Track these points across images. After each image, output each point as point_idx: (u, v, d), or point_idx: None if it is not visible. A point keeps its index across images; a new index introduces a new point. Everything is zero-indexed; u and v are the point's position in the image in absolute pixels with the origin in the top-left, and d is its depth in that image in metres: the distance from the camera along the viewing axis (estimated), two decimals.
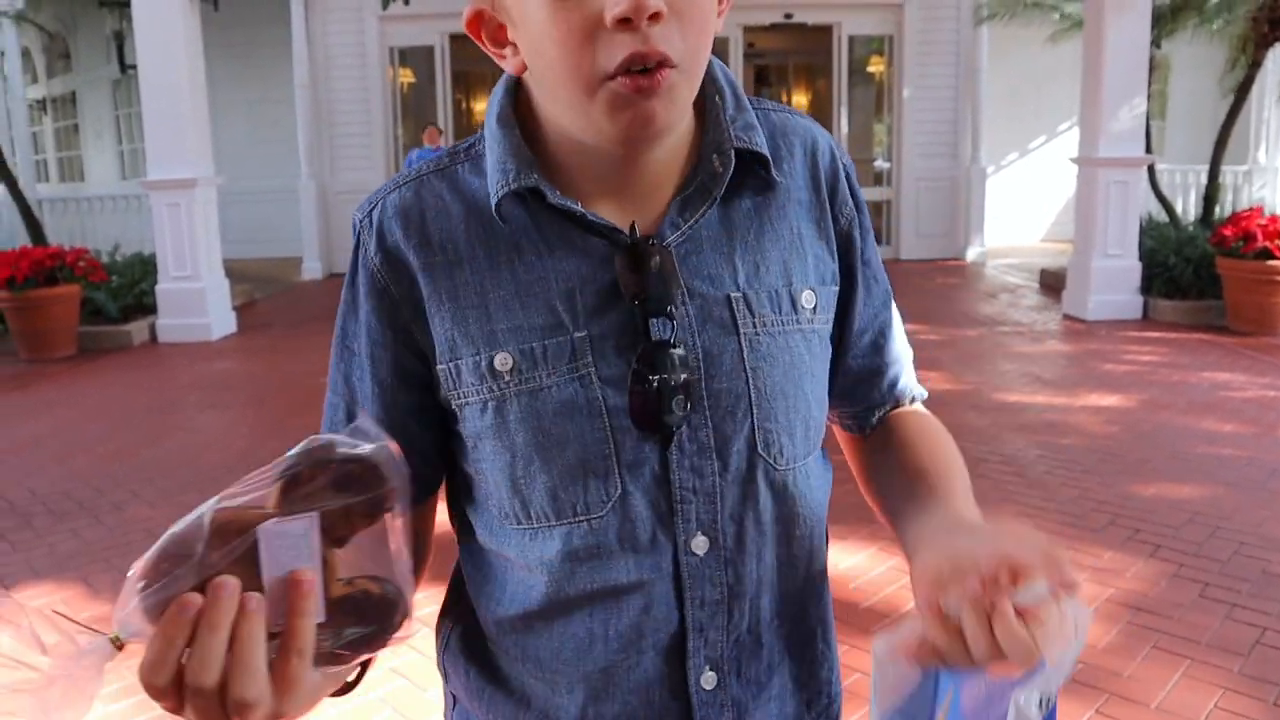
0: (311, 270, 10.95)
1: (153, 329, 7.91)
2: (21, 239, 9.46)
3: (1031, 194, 12.55)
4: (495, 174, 0.79)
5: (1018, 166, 12.69)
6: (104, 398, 6.24)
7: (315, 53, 11.11)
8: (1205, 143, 9.72)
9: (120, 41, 11.52)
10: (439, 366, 0.81)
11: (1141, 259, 7.63)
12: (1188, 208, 10.30)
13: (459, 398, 0.80)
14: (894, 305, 0.96)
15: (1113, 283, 7.55)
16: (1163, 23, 8.48)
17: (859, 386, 0.94)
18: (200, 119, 7.93)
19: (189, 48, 7.80)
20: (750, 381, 0.80)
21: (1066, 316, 7.74)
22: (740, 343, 0.80)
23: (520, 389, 0.78)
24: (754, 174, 0.82)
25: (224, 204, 8.38)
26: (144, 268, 8.45)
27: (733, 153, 0.80)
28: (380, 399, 0.84)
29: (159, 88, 7.72)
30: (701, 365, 0.78)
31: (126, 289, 8.20)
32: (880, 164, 11.94)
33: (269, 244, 12.22)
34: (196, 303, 7.83)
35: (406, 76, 12.05)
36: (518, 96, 0.83)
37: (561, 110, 0.76)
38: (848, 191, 0.89)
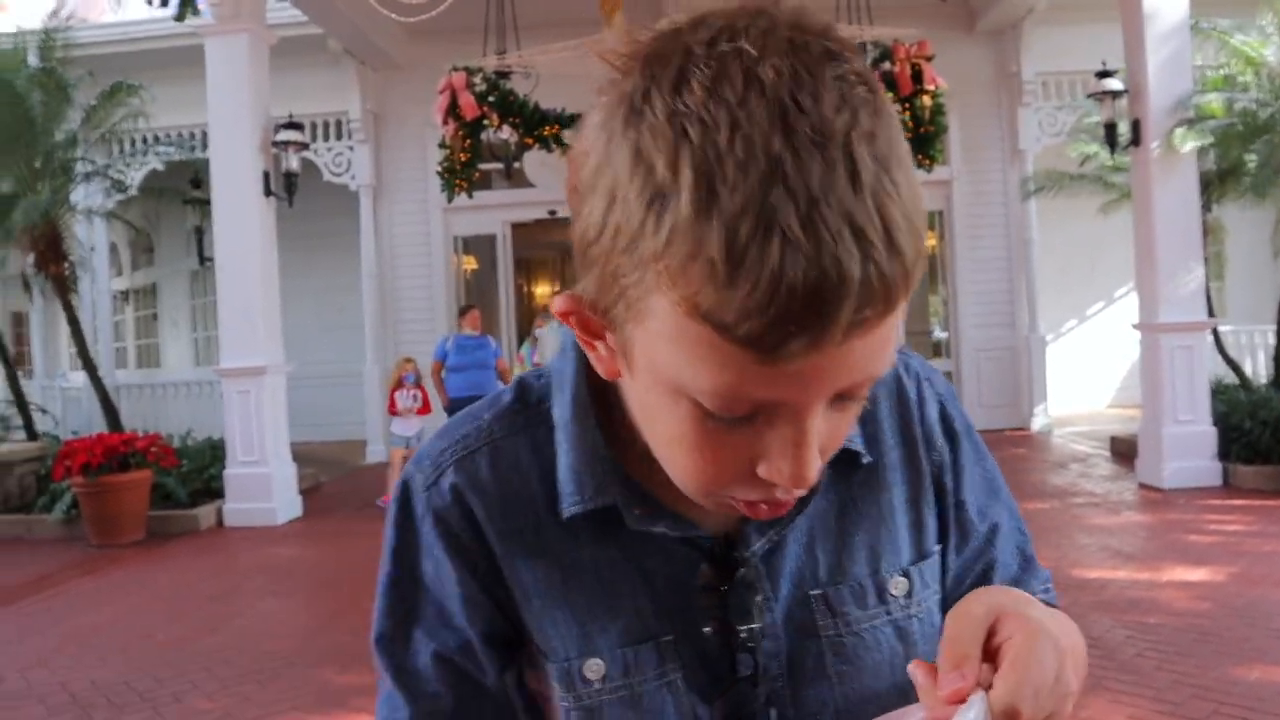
0: (375, 453, 11.08)
1: (220, 513, 8.00)
2: (98, 424, 9.76)
3: (1094, 360, 12.43)
4: (568, 483, 0.72)
5: (1077, 333, 12.63)
6: (169, 583, 6.26)
7: (382, 243, 11.60)
8: (1268, 301, 9.62)
9: (200, 235, 12.13)
10: (536, 664, 0.75)
11: (1215, 423, 7.44)
12: (1257, 369, 10.10)
13: (549, 690, 0.76)
14: (1008, 532, 0.85)
15: (1188, 449, 7.34)
16: (1211, 188, 8.55)
17: None
18: (272, 308, 8.24)
19: (263, 241, 8.19)
20: (836, 688, 0.75)
21: (1142, 485, 7.51)
22: (824, 647, 0.75)
23: (611, 697, 0.73)
24: (844, 460, 0.75)
25: (290, 388, 8.60)
26: (213, 453, 8.63)
27: None
28: (486, 652, 0.74)
29: (234, 278, 8.08)
30: (786, 673, 0.74)
31: (196, 474, 8.36)
32: (938, 334, 11.96)
33: (334, 427, 12.44)
34: (263, 487, 7.94)
35: (470, 263, 12.50)
36: (592, 375, 0.72)
37: (662, 464, 0.66)
38: (937, 431, 0.81)
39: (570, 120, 9.13)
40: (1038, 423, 10.99)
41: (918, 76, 8.41)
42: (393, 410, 8.30)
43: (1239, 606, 4.58)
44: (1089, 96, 8.79)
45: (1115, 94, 8.08)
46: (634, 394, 0.65)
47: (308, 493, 8.76)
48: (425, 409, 8.25)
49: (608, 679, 0.73)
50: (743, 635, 0.73)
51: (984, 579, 0.83)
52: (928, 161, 8.74)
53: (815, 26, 0.55)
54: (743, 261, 0.49)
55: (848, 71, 0.53)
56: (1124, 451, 8.62)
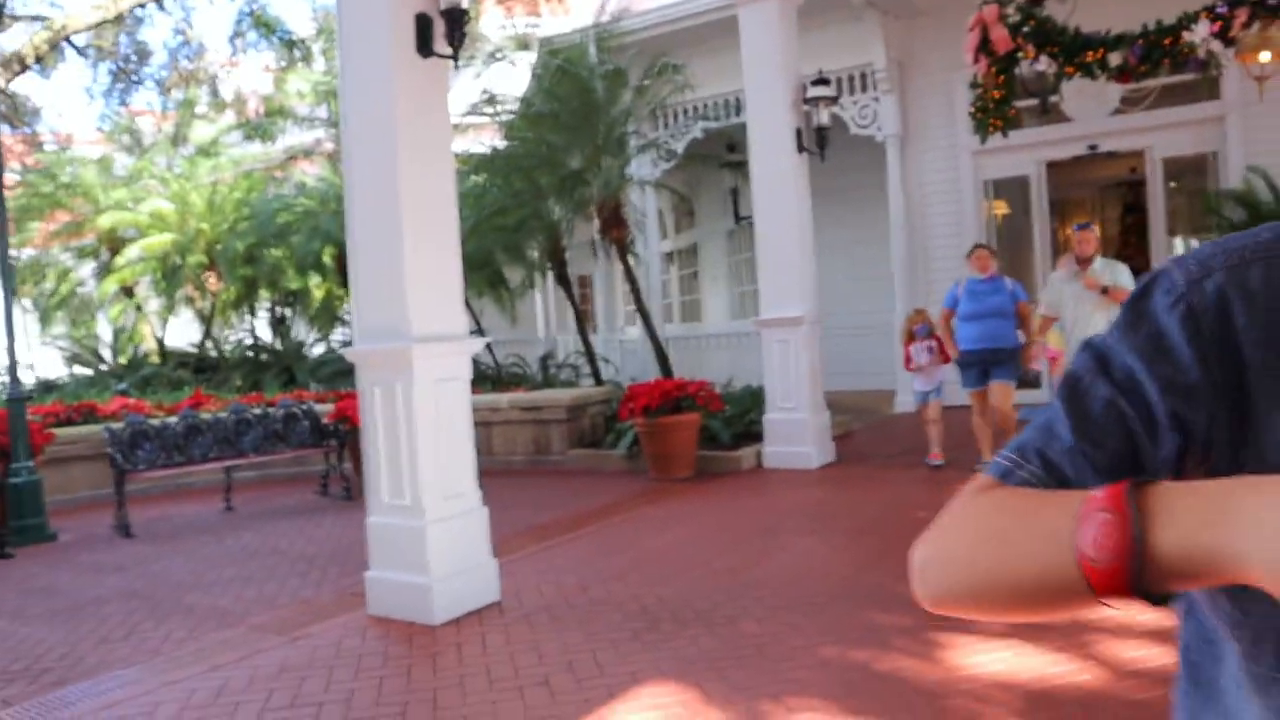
0: (904, 403, 11.04)
1: (759, 455, 8.47)
2: (652, 371, 10.80)
3: None
4: None
5: None
6: (718, 516, 6.75)
7: (910, 192, 11.46)
8: None
9: (735, 196, 12.88)
10: (1244, 470, 0.69)
11: None
12: None
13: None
14: None
15: None
16: None
17: None
18: (806, 261, 8.49)
19: (798, 197, 8.45)
20: None
21: None
22: None
23: None
24: None
25: (823, 338, 8.82)
26: (754, 399, 9.15)
27: None
28: (1175, 434, 0.73)
29: (771, 234, 8.45)
30: None
31: (738, 418, 8.94)
32: None
33: (864, 376, 12.61)
34: (799, 432, 8.26)
35: (1000, 208, 11.92)
36: None
37: None
38: None
39: (1116, 41, 8.27)
40: None
41: None
42: (909, 366, 7.95)
43: None
44: None
45: None
46: None
47: (840, 439, 8.97)
48: (944, 358, 7.76)
49: None
50: None
51: None
52: None
53: None
54: None
55: None
56: None
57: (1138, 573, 0.60)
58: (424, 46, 4.86)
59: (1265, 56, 7.32)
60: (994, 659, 3.73)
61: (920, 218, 11.47)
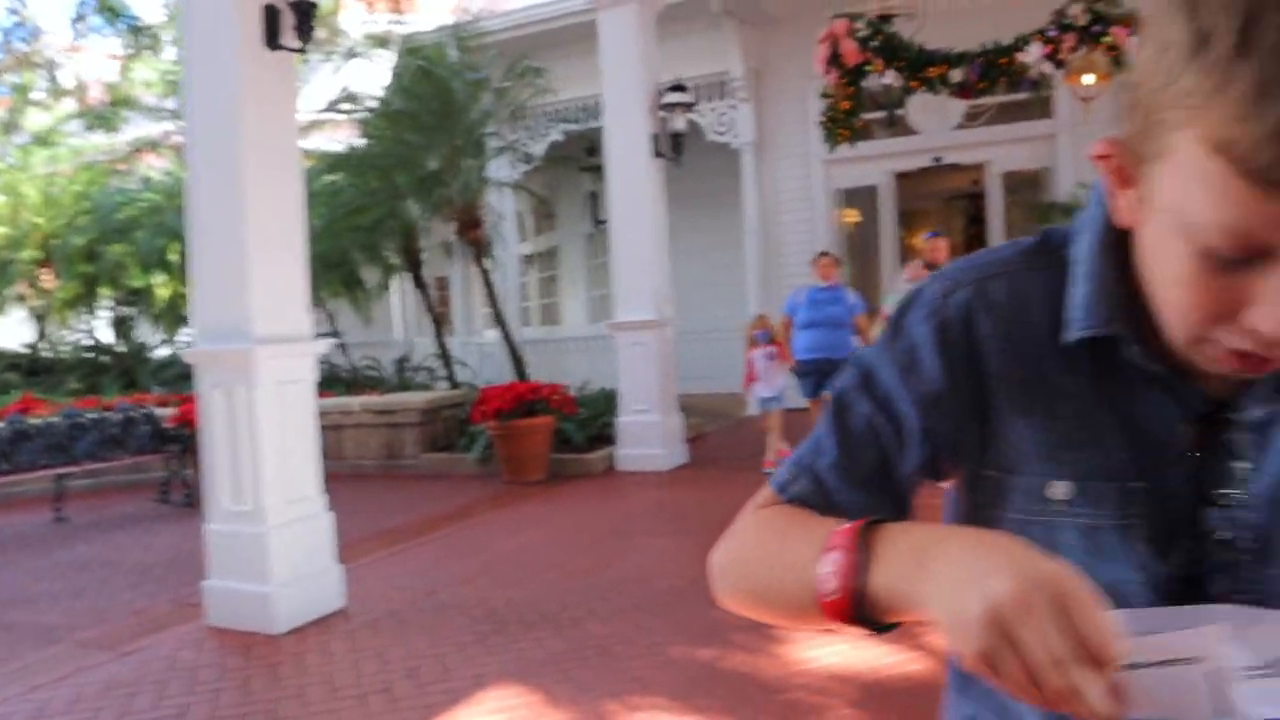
0: (756, 406, 11.31)
1: (612, 458, 8.54)
2: (508, 375, 10.75)
3: None
4: (1078, 308, 0.76)
5: None
6: (570, 519, 6.77)
7: (764, 199, 11.75)
8: None
9: (595, 200, 12.95)
10: (984, 471, 0.80)
11: None
12: None
13: (997, 508, 0.80)
14: None
15: None
16: None
17: None
18: (661, 265, 8.61)
19: (654, 202, 8.56)
20: None
21: None
22: None
23: (1068, 521, 0.76)
24: None
25: (678, 341, 8.96)
26: (608, 402, 9.21)
27: None
28: (921, 444, 0.82)
29: (626, 237, 8.53)
30: (1256, 551, 0.73)
31: (592, 421, 8.98)
32: None
33: (718, 379, 12.82)
34: (652, 435, 8.36)
35: (851, 216, 12.32)
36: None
37: (1159, 307, 0.69)
38: None
39: (958, 59, 8.69)
40: None
41: None
42: (749, 378, 7.77)
43: None
44: None
45: None
46: (1145, 238, 0.68)
47: (693, 441, 9.11)
48: (784, 358, 7.62)
49: (1070, 504, 0.75)
50: (1216, 500, 0.72)
51: None
52: None
53: None
54: (1266, 97, 0.53)
55: None
56: None
57: (857, 607, 0.68)
58: (272, 39, 4.72)
59: (1089, 79, 7.81)
60: (831, 652, 3.86)
61: (774, 224, 11.76)
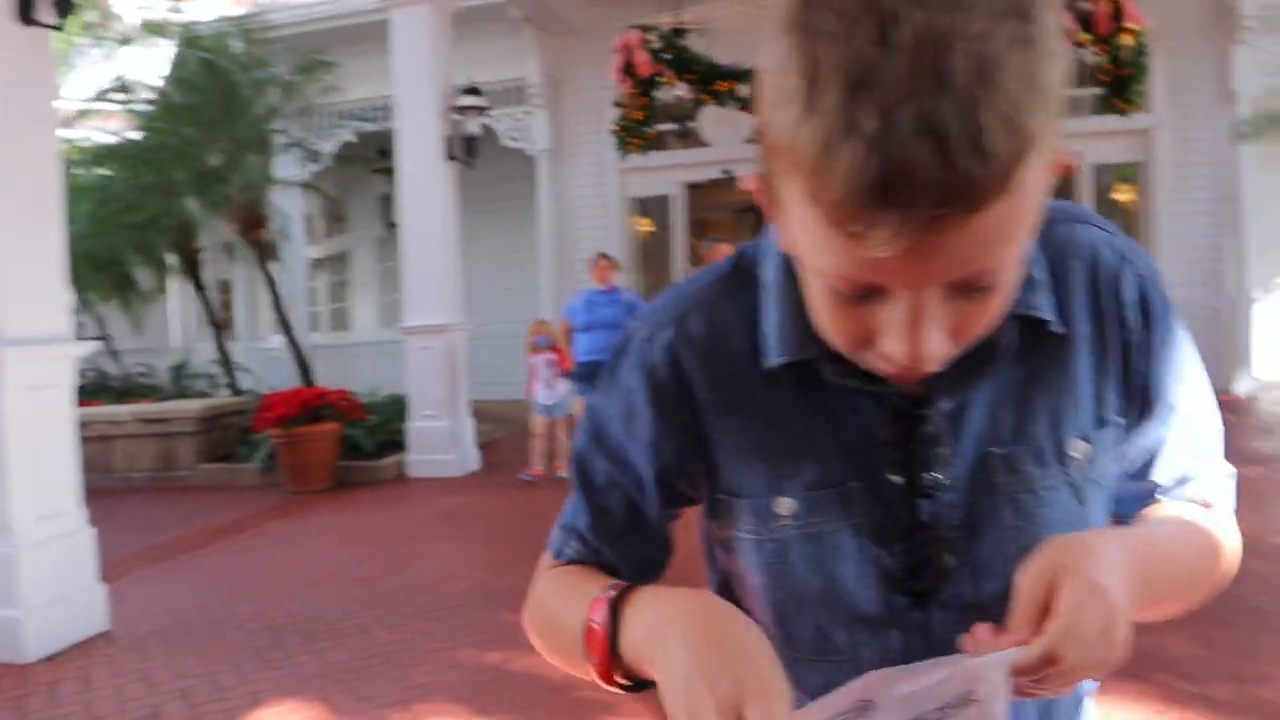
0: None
1: (402, 464, 8.36)
2: (295, 382, 10.35)
3: None
4: (771, 336, 0.80)
5: None
6: (357, 527, 6.58)
7: (559, 205, 11.80)
8: None
9: (387, 203, 12.66)
10: (717, 496, 0.84)
11: None
12: None
13: (732, 528, 0.84)
14: (1191, 416, 0.86)
15: None
16: None
17: (1124, 499, 0.88)
18: (452, 269, 8.50)
19: (445, 204, 8.45)
20: (1010, 542, 0.78)
21: None
22: (1001, 502, 0.78)
23: (797, 533, 0.80)
24: (1034, 329, 0.78)
25: (471, 347, 8.86)
26: (397, 407, 9.00)
27: (1013, 321, 0.75)
28: (658, 489, 0.86)
29: (417, 240, 8.38)
30: (966, 527, 0.79)
31: (382, 427, 8.76)
32: None
33: (511, 385, 12.73)
34: (443, 440, 8.23)
35: (645, 225, 12.54)
36: None
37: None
38: (1135, 310, 0.81)
39: (746, 74, 9.00)
40: (1243, 386, 10.19)
41: (1117, 13, 7.85)
42: (532, 380, 7.76)
43: None
44: None
45: None
46: (798, 267, 0.71)
47: (485, 447, 9.04)
48: (564, 365, 7.62)
49: (796, 516, 0.80)
50: (925, 485, 0.78)
51: (1156, 455, 0.86)
52: (1126, 105, 8.17)
53: None
54: (829, 156, 0.55)
55: None
56: None
57: (613, 673, 0.75)
58: (25, 13, 4.37)
59: None
60: None
61: (569, 231, 11.83)
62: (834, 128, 0.55)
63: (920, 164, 0.53)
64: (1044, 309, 0.77)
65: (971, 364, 0.74)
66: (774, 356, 0.79)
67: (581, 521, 0.90)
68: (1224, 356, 10.36)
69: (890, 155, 0.54)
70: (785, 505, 0.80)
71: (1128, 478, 0.87)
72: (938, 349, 0.64)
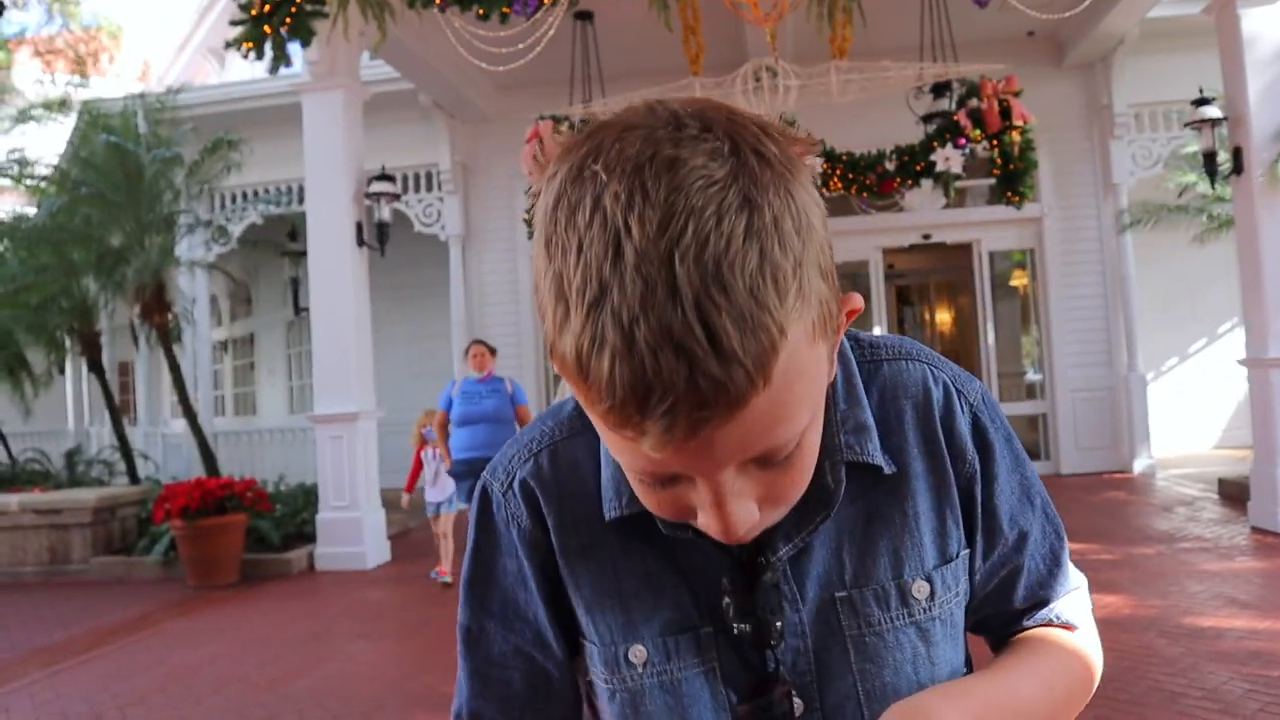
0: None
1: (311, 557, 8.12)
2: (197, 469, 10.05)
3: (1198, 399, 11.95)
4: (608, 489, 0.79)
5: (1179, 372, 12.16)
6: (263, 625, 6.36)
7: (471, 292, 11.78)
8: None
9: (296, 286, 12.50)
10: (580, 640, 0.84)
11: None
12: None
13: (590, 675, 0.84)
14: (1039, 539, 0.88)
15: None
16: None
17: (987, 625, 0.91)
18: (364, 356, 8.40)
19: (356, 290, 8.38)
20: (858, 685, 0.79)
21: (1255, 530, 7.15)
22: (847, 645, 0.79)
23: (652, 681, 0.79)
24: (867, 472, 0.80)
25: (381, 434, 8.73)
26: (306, 497, 8.79)
27: (844, 468, 0.78)
28: (557, 636, 0.85)
29: (328, 327, 8.27)
30: (813, 669, 0.79)
31: (290, 518, 8.53)
32: (1031, 376, 11.67)
33: None
34: (353, 532, 8.04)
35: None
36: None
37: None
38: (967, 442, 0.83)
39: None
40: (1140, 465, 10.57)
41: (1006, 112, 8.28)
42: (413, 479, 7.23)
43: None
44: (1187, 125, 8.53)
45: (1214, 122, 7.83)
46: None
47: (396, 538, 8.85)
48: (446, 458, 6.95)
49: (650, 664, 0.79)
50: (772, 632, 0.78)
51: (1010, 583, 0.88)
52: (1017, 199, 8.56)
53: (690, 119, 0.60)
54: (586, 372, 0.58)
55: (694, 171, 0.57)
56: (1234, 494, 8.24)
57: None
58: None
59: None
60: None
61: (480, 317, 11.80)
62: (584, 345, 0.57)
63: (666, 374, 0.55)
64: (874, 454, 0.79)
65: (806, 511, 0.76)
66: (610, 510, 0.79)
67: (480, 704, 0.87)
68: (1121, 436, 10.77)
69: (636, 368, 0.56)
70: (639, 653, 0.79)
71: (986, 604, 0.88)
72: (749, 519, 0.66)
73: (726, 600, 0.78)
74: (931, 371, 0.84)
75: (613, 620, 0.80)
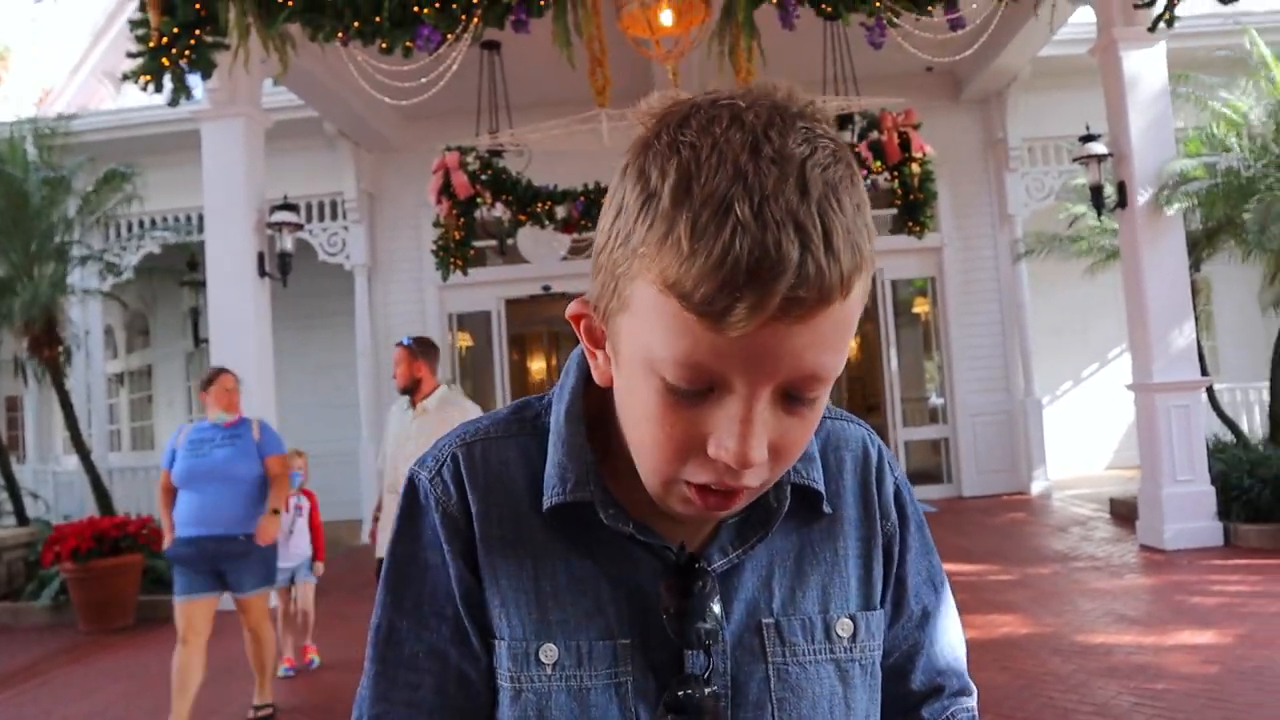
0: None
1: None
2: (91, 508, 9.67)
3: (1090, 422, 12.41)
4: (553, 476, 0.80)
5: (1073, 395, 12.63)
6: (160, 670, 6.11)
7: (377, 321, 11.65)
8: (1260, 359, 9.63)
9: (196, 317, 12.17)
10: (489, 639, 0.82)
11: (1214, 483, 7.40)
12: (1253, 426, 10.07)
13: (496, 675, 0.81)
14: (942, 626, 0.92)
15: (1187, 510, 7.29)
16: (1199, 247, 8.62)
17: (884, 711, 0.89)
18: (265, 388, 8.21)
19: (258, 321, 8.21)
20: (774, 712, 0.80)
21: (1143, 547, 7.44)
22: (768, 671, 0.80)
23: (560, 685, 0.78)
24: (806, 503, 0.84)
25: None
26: None
27: (789, 489, 0.81)
28: (474, 634, 0.82)
29: (228, 358, 8.02)
30: (729, 692, 0.79)
31: None
32: (934, 400, 11.97)
33: (330, 506, 12.26)
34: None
35: (465, 340, 12.51)
36: (591, 383, 0.81)
37: (634, 461, 0.76)
38: (892, 505, 0.90)
39: (562, 196, 9.23)
40: (1037, 486, 10.92)
41: (905, 144, 8.52)
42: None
43: (1247, 670, 4.50)
44: (1074, 160, 8.89)
45: (1100, 157, 8.18)
46: (619, 389, 0.75)
47: None
48: (316, 526, 5.97)
49: (560, 666, 0.78)
50: (693, 650, 0.78)
51: (910, 659, 0.91)
52: (918, 228, 8.80)
53: (800, 100, 0.69)
54: (702, 238, 0.62)
55: (816, 127, 0.67)
56: (1124, 514, 8.56)
57: None
58: None
59: None
60: None
61: (387, 347, 11.63)
62: (703, 218, 0.62)
63: (784, 250, 0.61)
64: (817, 480, 0.83)
65: (745, 527, 0.80)
66: (551, 496, 0.79)
67: (385, 708, 0.81)
68: (1019, 459, 11.11)
69: (757, 238, 0.61)
70: (550, 653, 0.78)
71: (886, 682, 0.88)
72: (762, 453, 0.68)
73: (654, 607, 0.78)
74: (869, 436, 0.91)
75: (526, 617, 0.79)
